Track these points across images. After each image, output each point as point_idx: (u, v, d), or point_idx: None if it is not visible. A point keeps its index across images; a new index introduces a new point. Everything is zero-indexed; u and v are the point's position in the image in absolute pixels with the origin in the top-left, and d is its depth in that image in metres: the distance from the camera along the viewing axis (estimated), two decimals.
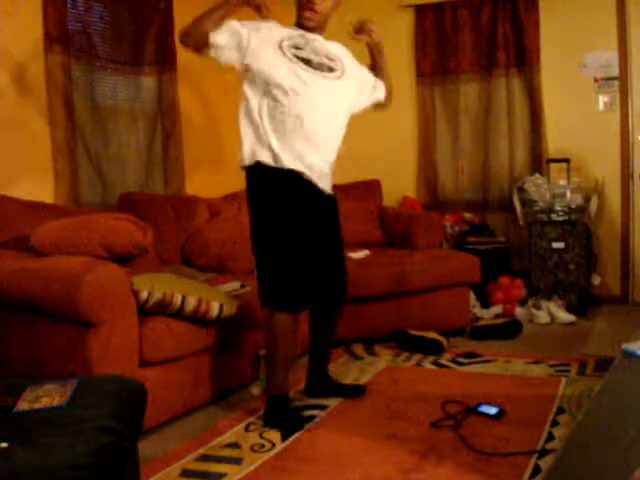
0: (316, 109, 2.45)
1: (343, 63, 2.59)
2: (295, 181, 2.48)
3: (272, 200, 2.46)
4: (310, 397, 2.80)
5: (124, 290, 2.33)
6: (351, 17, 2.65)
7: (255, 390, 2.82)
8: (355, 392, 2.81)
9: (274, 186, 2.46)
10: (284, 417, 2.50)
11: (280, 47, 2.43)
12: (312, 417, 2.58)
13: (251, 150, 2.47)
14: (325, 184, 2.59)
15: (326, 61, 2.52)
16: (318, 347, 2.81)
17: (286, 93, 2.40)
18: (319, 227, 2.60)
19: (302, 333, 3.28)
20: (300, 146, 2.45)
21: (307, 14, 2.47)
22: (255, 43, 2.40)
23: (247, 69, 2.44)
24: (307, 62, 2.46)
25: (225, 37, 2.38)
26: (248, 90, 2.47)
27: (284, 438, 2.38)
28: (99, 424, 1.39)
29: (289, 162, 2.44)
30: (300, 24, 2.52)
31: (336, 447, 2.30)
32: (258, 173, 2.47)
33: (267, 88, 2.42)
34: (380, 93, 2.84)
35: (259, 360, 2.82)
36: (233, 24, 2.40)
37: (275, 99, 2.42)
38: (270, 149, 2.44)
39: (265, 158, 2.44)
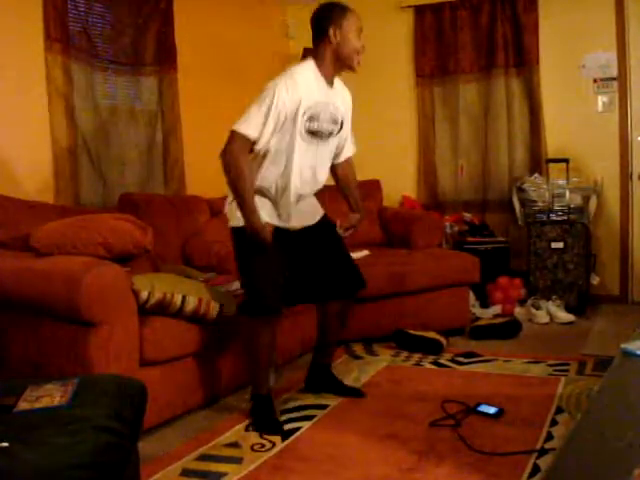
0: (306, 168, 2.51)
1: (342, 119, 2.60)
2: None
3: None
4: (309, 393, 2.83)
5: (124, 290, 2.34)
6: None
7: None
8: (353, 394, 2.82)
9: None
10: (264, 419, 2.53)
11: (295, 123, 2.39)
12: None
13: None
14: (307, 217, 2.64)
15: (330, 127, 2.53)
16: (324, 342, 2.84)
17: (289, 164, 2.46)
18: (310, 241, 2.64)
19: (302, 332, 3.30)
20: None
21: (360, 59, 2.47)
22: (283, 125, 2.39)
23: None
24: (315, 134, 2.47)
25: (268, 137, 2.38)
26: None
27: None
28: (99, 424, 1.39)
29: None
30: (350, 67, 2.48)
31: (336, 447, 2.30)
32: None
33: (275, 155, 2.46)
34: (348, 151, 2.80)
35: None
36: (275, 120, 2.35)
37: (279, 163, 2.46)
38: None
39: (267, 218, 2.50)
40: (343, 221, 2.74)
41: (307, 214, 2.65)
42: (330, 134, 2.56)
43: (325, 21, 2.43)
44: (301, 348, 3.31)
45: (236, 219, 2.50)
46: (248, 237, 2.43)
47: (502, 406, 2.56)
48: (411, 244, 4.02)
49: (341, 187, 2.81)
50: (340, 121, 2.59)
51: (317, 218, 2.70)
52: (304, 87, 2.39)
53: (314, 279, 2.69)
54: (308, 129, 2.43)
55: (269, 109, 2.32)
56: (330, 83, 2.51)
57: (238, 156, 2.35)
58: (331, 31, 2.41)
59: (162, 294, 2.46)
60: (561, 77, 4.53)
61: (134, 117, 3.83)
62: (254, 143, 2.36)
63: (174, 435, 2.47)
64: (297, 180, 2.49)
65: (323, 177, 2.62)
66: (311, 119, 2.43)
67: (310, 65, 2.47)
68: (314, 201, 2.71)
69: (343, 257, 2.73)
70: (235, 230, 2.53)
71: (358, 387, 2.90)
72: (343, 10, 2.45)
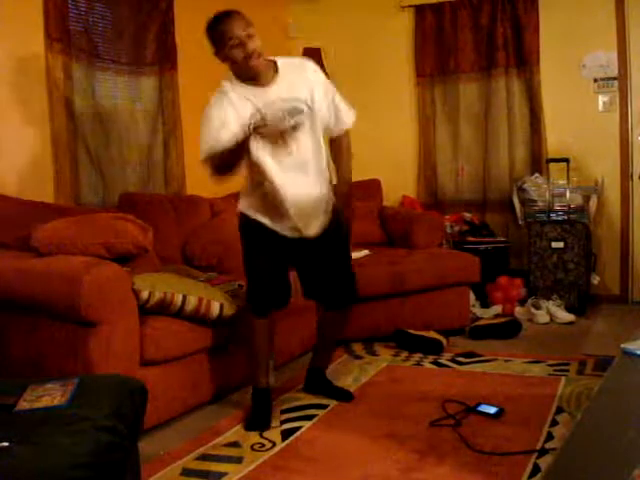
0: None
1: (305, 101, 2.48)
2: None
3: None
4: (309, 394, 2.83)
5: (125, 290, 2.34)
6: None
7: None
8: (341, 396, 2.79)
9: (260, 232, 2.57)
10: (254, 412, 2.59)
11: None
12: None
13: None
14: (309, 225, 2.58)
15: (286, 119, 2.43)
16: (319, 346, 2.91)
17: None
18: (314, 244, 2.61)
19: (302, 332, 3.30)
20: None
21: (253, 60, 2.38)
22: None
23: None
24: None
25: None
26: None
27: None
28: (99, 423, 1.40)
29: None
30: (250, 76, 2.44)
31: (336, 446, 2.31)
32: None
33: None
34: (341, 123, 2.67)
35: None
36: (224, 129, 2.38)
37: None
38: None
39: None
40: None
41: (315, 218, 2.59)
42: (295, 126, 2.44)
43: (211, 47, 2.47)
44: (301, 348, 3.31)
45: (241, 205, 2.61)
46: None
47: (502, 406, 2.56)
48: (411, 244, 4.02)
49: (332, 159, 2.74)
50: (299, 101, 2.46)
51: (326, 219, 2.63)
52: (232, 109, 2.44)
53: (313, 280, 2.74)
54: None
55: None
56: (261, 83, 2.45)
57: None
58: (218, 57, 2.46)
59: (162, 294, 2.46)
60: (561, 77, 4.52)
61: (134, 117, 3.82)
62: None
63: (174, 435, 2.47)
64: (279, 179, 2.46)
65: (309, 155, 2.53)
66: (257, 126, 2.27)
67: (230, 80, 2.49)
68: (319, 199, 2.61)
69: (340, 267, 2.73)
70: (239, 217, 2.63)
71: (347, 390, 2.85)
72: (214, 31, 2.44)
